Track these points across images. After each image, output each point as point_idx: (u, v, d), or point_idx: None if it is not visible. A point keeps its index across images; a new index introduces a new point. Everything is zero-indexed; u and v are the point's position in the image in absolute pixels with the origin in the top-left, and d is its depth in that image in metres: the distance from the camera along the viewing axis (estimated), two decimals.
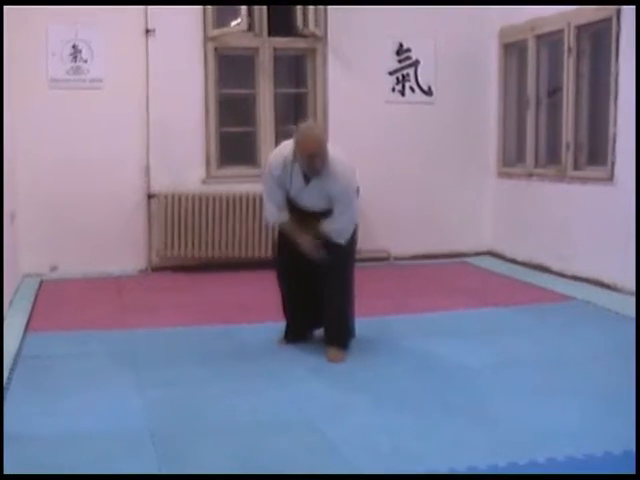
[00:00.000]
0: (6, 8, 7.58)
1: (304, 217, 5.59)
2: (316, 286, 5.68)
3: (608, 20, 7.57)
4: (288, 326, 5.91)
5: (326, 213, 5.53)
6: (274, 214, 5.64)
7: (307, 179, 5.42)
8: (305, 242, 5.56)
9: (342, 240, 5.53)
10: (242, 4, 8.69)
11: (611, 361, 5.45)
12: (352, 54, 9.16)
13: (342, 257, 5.62)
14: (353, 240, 5.72)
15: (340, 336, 5.68)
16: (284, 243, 5.73)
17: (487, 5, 9.23)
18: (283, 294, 5.89)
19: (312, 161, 5.26)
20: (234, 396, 4.80)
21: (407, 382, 5.05)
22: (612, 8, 7.45)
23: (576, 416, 4.41)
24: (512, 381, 5.05)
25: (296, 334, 5.88)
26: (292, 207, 5.62)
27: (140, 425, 4.32)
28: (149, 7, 8.56)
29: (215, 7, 8.80)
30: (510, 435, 4.15)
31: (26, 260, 8.37)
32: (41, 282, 8.25)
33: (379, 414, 4.49)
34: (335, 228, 5.51)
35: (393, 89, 9.38)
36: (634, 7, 7.06)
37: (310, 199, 5.51)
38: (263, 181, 5.67)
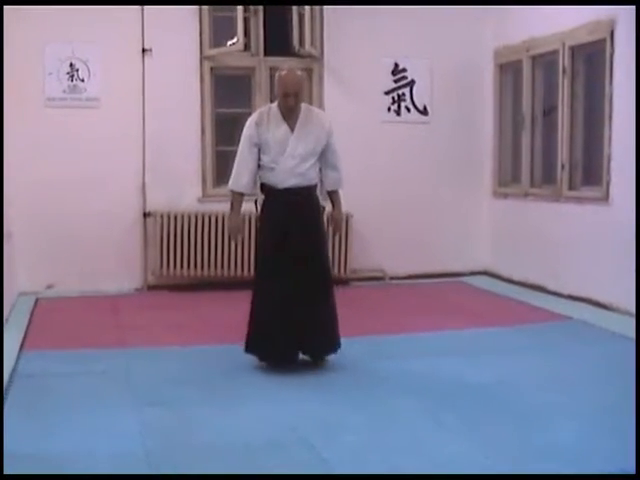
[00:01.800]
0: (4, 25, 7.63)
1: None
2: (299, 306, 5.65)
3: (602, 41, 7.61)
4: (265, 348, 5.75)
5: (306, 189, 5.71)
6: (236, 180, 5.76)
7: (291, 127, 5.64)
8: (234, 223, 5.84)
9: (343, 184, 5.94)
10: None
11: (608, 380, 5.44)
12: (348, 74, 9.21)
13: (327, 270, 5.88)
14: (327, 253, 6.05)
15: (329, 347, 5.79)
16: (266, 261, 5.73)
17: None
18: (261, 318, 5.73)
19: (286, 100, 5.59)
20: (229, 416, 4.79)
21: (402, 401, 5.03)
22: (606, 30, 7.49)
23: (572, 435, 4.40)
24: (508, 400, 5.04)
25: (281, 358, 5.73)
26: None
27: (135, 445, 4.30)
28: (146, 27, 8.60)
29: (212, 27, 8.85)
30: (506, 453, 4.14)
31: (22, 278, 8.35)
32: (37, 300, 8.23)
33: (374, 433, 4.48)
34: (340, 176, 5.88)
35: (389, 109, 9.42)
36: (627, 29, 7.11)
37: (299, 147, 5.62)
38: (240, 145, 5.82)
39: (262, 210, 5.81)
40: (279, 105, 5.70)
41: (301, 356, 5.79)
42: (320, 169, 5.82)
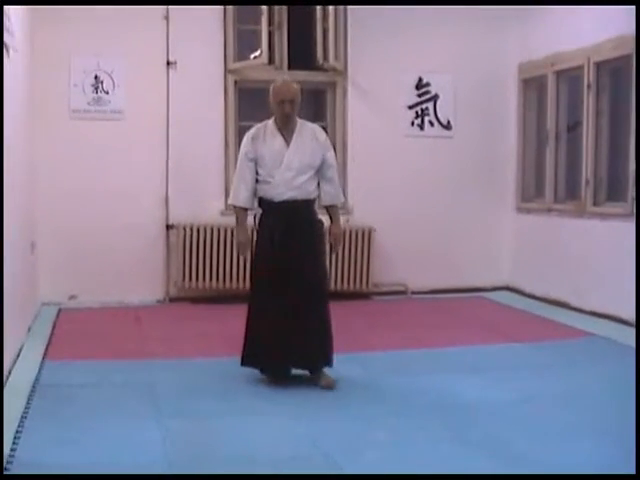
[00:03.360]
0: (30, 38, 7.69)
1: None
2: (292, 320, 5.60)
3: (627, 57, 7.59)
4: (260, 362, 5.75)
5: (304, 203, 5.68)
6: (235, 195, 5.78)
7: (287, 141, 5.65)
8: (242, 238, 5.78)
9: (342, 199, 5.99)
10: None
11: (630, 398, 5.38)
12: (372, 88, 9.22)
13: (323, 284, 5.79)
14: (325, 268, 6.03)
15: (327, 360, 5.68)
16: (262, 275, 5.70)
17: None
18: (255, 332, 5.71)
19: (283, 106, 5.61)
20: (251, 428, 4.78)
21: (424, 417, 5.01)
22: (631, 45, 7.46)
23: (593, 453, 4.37)
24: (530, 418, 5.01)
25: (277, 373, 5.73)
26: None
27: (157, 456, 4.30)
28: (171, 39, 8.66)
29: (236, 40, 8.90)
30: (527, 471, 4.10)
31: (45, 289, 8.40)
32: (59, 311, 8.27)
33: (397, 449, 4.46)
34: (336, 191, 5.85)
35: (412, 123, 9.41)
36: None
37: (295, 160, 5.61)
38: (238, 161, 5.86)
39: (259, 224, 5.81)
40: (275, 119, 5.73)
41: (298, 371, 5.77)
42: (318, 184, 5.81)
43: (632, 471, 4.04)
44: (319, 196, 5.83)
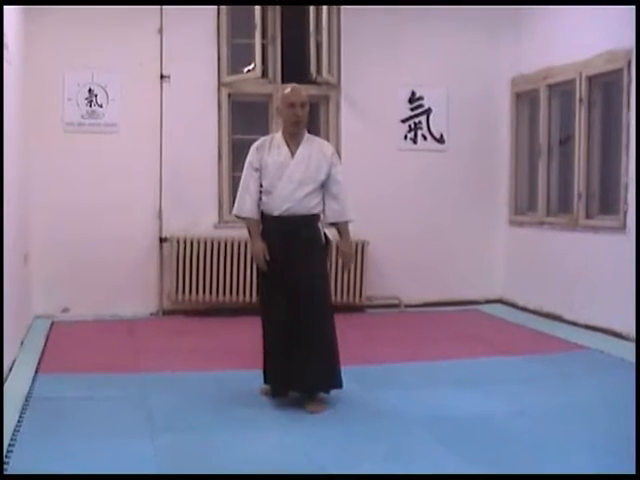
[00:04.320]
0: (25, 51, 7.70)
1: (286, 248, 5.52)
2: (297, 338, 5.50)
3: (619, 71, 7.63)
4: (268, 378, 5.72)
5: (308, 218, 5.57)
6: (240, 205, 5.66)
7: (292, 152, 5.56)
8: (256, 248, 5.61)
9: (353, 216, 5.75)
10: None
11: (625, 410, 5.38)
12: (365, 102, 9.24)
13: (321, 304, 5.58)
14: (328, 286, 5.92)
15: (324, 385, 5.55)
16: (268, 290, 5.66)
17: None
18: (266, 345, 5.70)
19: (294, 110, 5.52)
20: (244, 443, 4.76)
21: (418, 431, 5.00)
22: (623, 60, 7.51)
23: (589, 464, 4.37)
24: (524, 431, 5.00)
25: (277, 390, 5.63)
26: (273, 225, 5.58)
27: (150, 470, 4.28)
28: (164, 53, 8.68)
29: (230, 54, 8.93)
30: None
31: (38, 301, 8.39)
32: (52, 323, 8.25)
33: (392, 463, 4.44)
34: (341, 208, 5.67)
35: (405, 137, 9.44)
36: None
37: (297, 171, 5.52)
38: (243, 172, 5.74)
39: (261, 239, 5.67)
40: (283, 131, 5.65)
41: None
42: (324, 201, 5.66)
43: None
44: (324, 213, 5.70)
